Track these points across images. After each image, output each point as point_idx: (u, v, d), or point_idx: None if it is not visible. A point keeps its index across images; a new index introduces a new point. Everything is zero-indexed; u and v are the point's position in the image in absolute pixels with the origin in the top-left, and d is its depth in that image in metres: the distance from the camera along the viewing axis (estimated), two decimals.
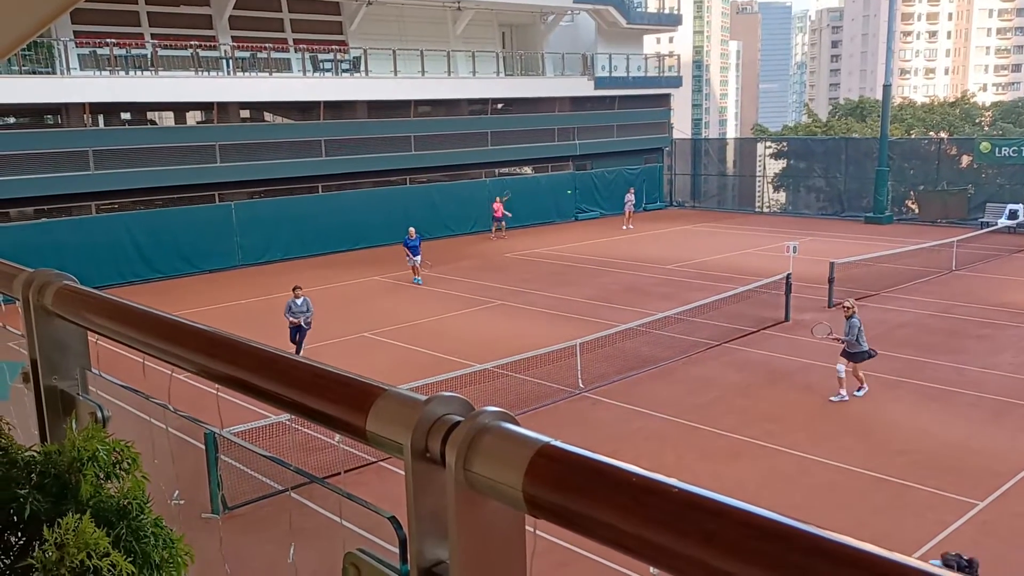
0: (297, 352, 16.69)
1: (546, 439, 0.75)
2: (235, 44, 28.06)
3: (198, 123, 28.70)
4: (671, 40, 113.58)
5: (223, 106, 27.65)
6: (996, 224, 29.52)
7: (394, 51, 30.95)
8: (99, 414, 1.54)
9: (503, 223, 32.79)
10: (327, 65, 29.91)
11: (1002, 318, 18.78)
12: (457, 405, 0.83)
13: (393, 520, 0.94)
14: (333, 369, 0.96)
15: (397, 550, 0.89)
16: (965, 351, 16.46)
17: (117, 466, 1.28)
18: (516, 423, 0.80)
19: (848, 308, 14.20)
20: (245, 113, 29.42)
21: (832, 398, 13.79)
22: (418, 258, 24.28)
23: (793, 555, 0.60)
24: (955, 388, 14.34)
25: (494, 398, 14.02)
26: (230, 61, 27.65)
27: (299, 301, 16.95)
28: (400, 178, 32.50)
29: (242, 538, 9.40)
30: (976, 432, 12.40)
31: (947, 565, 7.31)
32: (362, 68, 30.52)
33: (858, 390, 13.99)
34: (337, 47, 30.68)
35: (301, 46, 29.73)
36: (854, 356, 13.97)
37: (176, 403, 1.76)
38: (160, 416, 1.69)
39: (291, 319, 16.96)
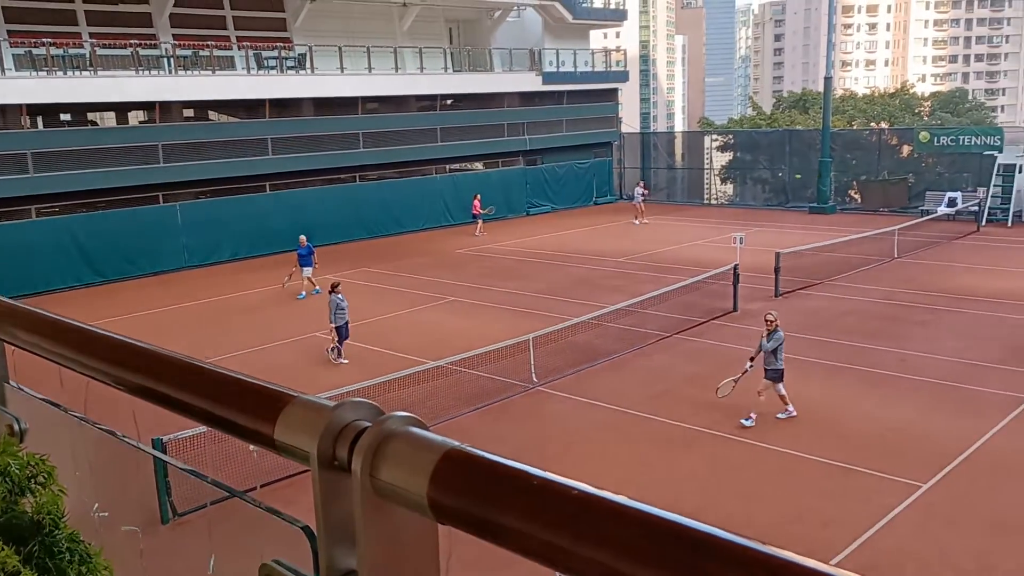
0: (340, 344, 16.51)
1: (452, 443, 0.74)
2: (176, 42, 27.51)
3: (140, 123, 28.07)
4: (618, 35, 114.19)
5: (166, 105, 27.10)
6: (936, 212, 30.29)
7: (340, 48, 30.64)
8: (16, 426, 1.49)
9: (481, 220, 32.56)
10: (272, 63, 29.49)
11: (942, 304, 19.29)
12: (366, 411, 0.82)
13: (306, 529, 0.92)
14: (242, 376, 0.94)
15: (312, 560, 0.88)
16: (907, 337, 16.87)
17: (32, 480, 1.24)
18: (424, 427, 0.79)
19: (771, 321, 12.96)
20: (189, 112, 28.87)
21: (779, 415, 12.75)
22: (308, 269, 22.12)
23: (687, 555, 0.60)
24: (898, 373, 14.69)
25: (447, 394, 14.01)
26: (171, 60, 27.09)
27: (341, 297, 16.53)
28: (350, 175, 32.24)
29: (182, 545, 9.25)
30: (919, 416, 12.72)
31: None
32: (308, 65, 30.16)
33: (746, 419, 12.60)
34: (282, 44, 30.26)
35: (245, 43, 29.26)
36: (767, 373, 12.79)
37: (122, 411, 1.71)
38: (88, 427, 1.64)
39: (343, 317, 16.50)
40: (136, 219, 26.44)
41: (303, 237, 22.59)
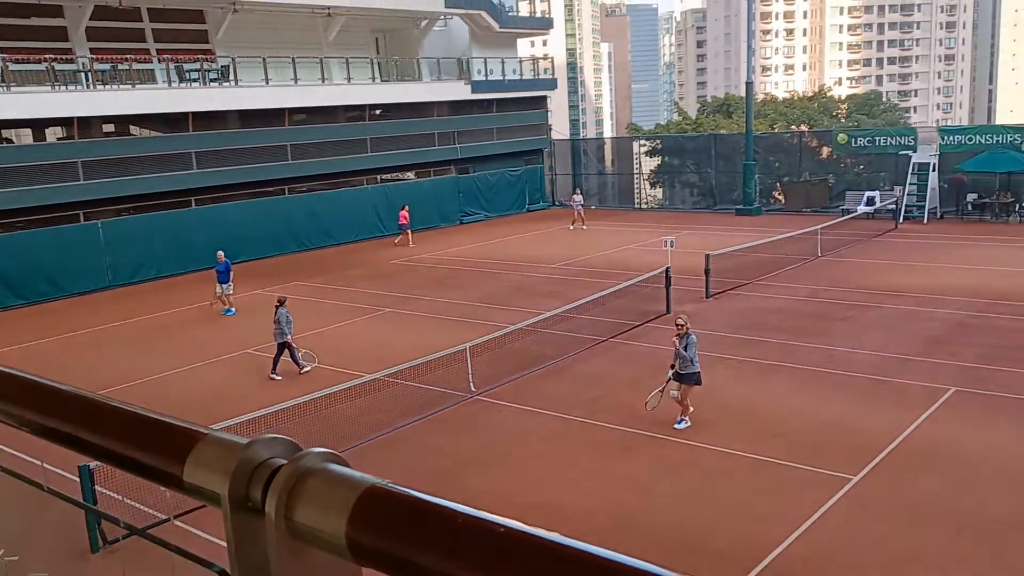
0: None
1: (372, 480, 0.70)
2: (94, 56, 26.69)
3: (59, 140, 27.13)
4: (544, 43, 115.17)
5: (84, 121, 26.26)
6: (856, 211, 31.25)
7: (264, 59, 30.17)
8: None
9: (408, 229, 32.37)
10: (194, 75, 28.85)
11: (864, 300, 19.89)
12: (281, 447, 0.78)
13: (222, 573, 0.88)
14: (148, 413, 0.89)
15: None
16: (833, 333, 17.35)
17: None
18: (343, 464, 0.75)
19: (681, 325, 12.69)
20: (109, 127, 28.02)
21: (677, 425, 12.56)
22: (227, 286, 21.51)
23: None
24: (826, 369, 15.08)
25: (384, 408, 13.85)
26: (89, 74, 26.28)
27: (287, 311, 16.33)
28: (278, 188, 31.72)
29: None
30: (847, 410, 13.06)
31: None
32: (231, 77, 29.59)
33: (679, 422, 12.56)
34: (203, 56, 29.63)
35: (165, 56, 28.55)
36: (685, 377, 12.57)
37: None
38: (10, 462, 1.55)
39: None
40: (57, 239, 25.53)
41: (221, 253, 22.04)
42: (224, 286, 21.59)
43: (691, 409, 12.67)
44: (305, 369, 16.45)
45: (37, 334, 20.81)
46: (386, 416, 13.68)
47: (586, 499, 10.59)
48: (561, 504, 10.48)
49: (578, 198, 34.77)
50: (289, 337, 16.31)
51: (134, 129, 28.64)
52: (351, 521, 0.67)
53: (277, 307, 16.43)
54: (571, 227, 33.97)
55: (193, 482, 0.79)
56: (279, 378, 16.17)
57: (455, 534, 0.62)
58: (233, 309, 21.87)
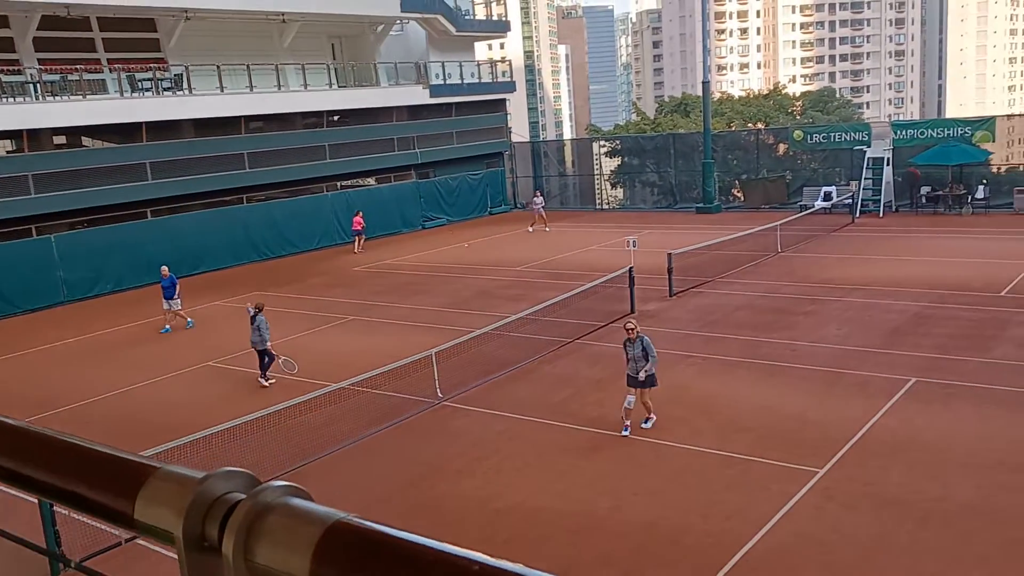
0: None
1: (338, 515, 0.65)
2: (42, 67, 26.13)
3: (8, 153, 26.49)
4: (502, 46, 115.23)
5: (34, 133, 25.68)
6: (813, 206, 31.69)
7: (218, 67, 29.77)
8: None
9: (363, 235, 32.34)
10: (146, 84, 28.38)
11: (824, 294, 20.14)
12: (239, 481, 0.72)
13: None
14: (95, 446, 0.83)
15: None
16: (795, 327, 17.54)
17: None
18: (307, 497, 0.70)
19: (632, 329, 12.47)
20: (60, 139, 27.43)
21: (644, 424, 12.49)
22: (174, 301, 20.81)
23: None
24: (789, 363, 15.23)
25: (351, 417, 13.72)
26: (38, 85, 25.71)
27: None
28: (236, 197, 31.31)
29: None
30: (812, 403, 13.20)
31: None
32: (185, 86, 29.15)
33: (645, 420, 12.50)
34: (156, 65, 29.16)
35: (116, 66, 28.04)
36: (647, 381, 12.36)
37: None
38: None
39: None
40: (9, 254, 24.94)
41: (165, 268, 21.19)
42: (171, 302, 20.85)
43: (653, 416, 12.58)
44: (271, 382, 16.24)
45: None
46: (354, 425, 13.54)
47: (557, 501, 10.57)
48: (533, 507, 10.45)
49: (539, 200, 34.86)
50: (269, 344, 16.23)
51: (86, 140, 28.07)
52: (315, 559, 0.62)
53: (256, 314, 16.28)
54: (531, 229, 34.01)
55: (145, 520, 0.73)
56: (271, 383, 16.19)
57: (429, 572, 0.58)
58: (169, 327, 21.07)
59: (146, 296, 25.69)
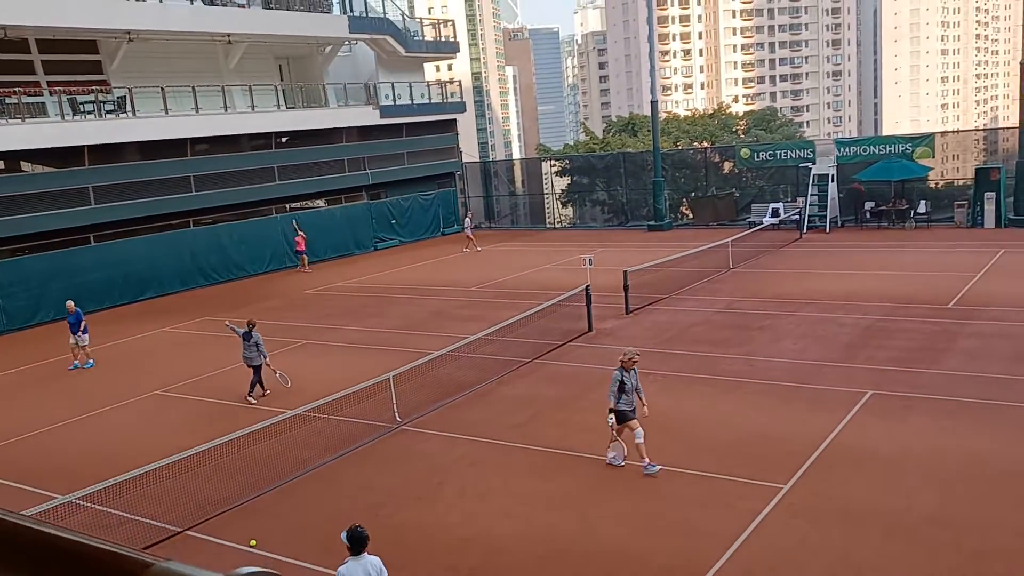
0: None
1: None
2: None
3: None
4: (450, 67, 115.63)
5: None
6: (762, 223, 32.15)
7: (163, 88, 29.18)
8: None
9: (304, 255, 32.14)
10: (88, 107, 27.66)
11: (778, 308, 20.36)
12: None
13: None
14: (90, 541, 0.67)
15: None
16: (751, 342, 17.66)
17: None
18: None
19: (632, 360, 11.84)
20: None
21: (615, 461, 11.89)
22: (82, 336, 19.92)
23: None
24: (747, 379, 15.29)
25: (308, 444, 13.37)
26: None
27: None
28: (183, 221, 30.64)
29: None
30: (772, 419, 13.24)
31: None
32: (128, 108, 28.49)
33: (652, 465, 11.50)
34: (98, 87, 28.46)
35: (57, 88, 27.28)
36: (631, 413, 11.72)
37: None
38: None
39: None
40: None
41: (71, 303, 20.33)
42: (78, 336, 19.92)
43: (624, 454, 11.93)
44: (264, 394, 16.43)
45: None
46: (310, 452, 13.20)
47: (522, 526, 10.38)
48: (498, 534, 10.25)
49: (468, 221, 35.38)
50: (257, 363, 16.17)
51: (25, 165, 27.19)
52: None
53: (250, 330, 16.17)
54: (465, 250, 34.10)
55: None
56: (265, 394, 16.31)
57: None
58: (78, 363, 20.11)
59: (90, 322, 24.85)
